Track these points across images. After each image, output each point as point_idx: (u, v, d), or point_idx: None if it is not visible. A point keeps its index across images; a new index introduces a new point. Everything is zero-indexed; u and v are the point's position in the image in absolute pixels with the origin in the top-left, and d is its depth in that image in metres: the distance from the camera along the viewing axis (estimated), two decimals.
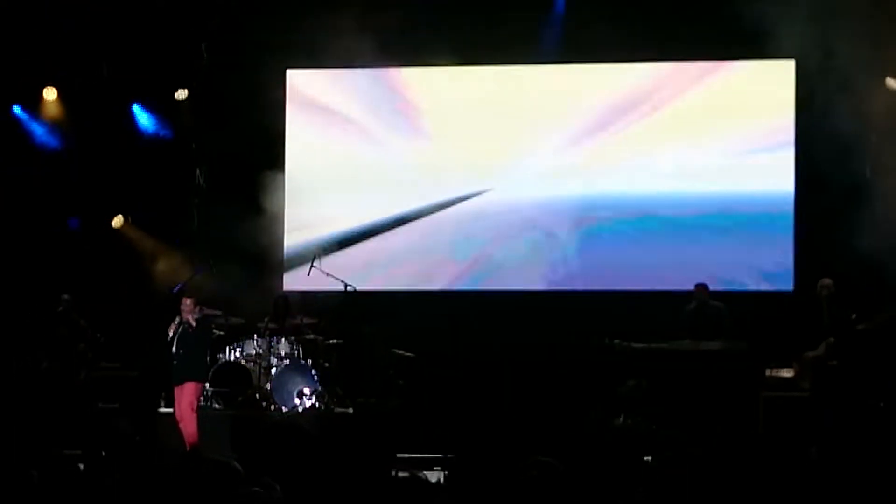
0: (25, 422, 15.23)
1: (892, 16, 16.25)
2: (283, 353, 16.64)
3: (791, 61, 17.73)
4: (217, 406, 16.13)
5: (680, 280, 17.39)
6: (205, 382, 15.57)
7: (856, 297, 15.87)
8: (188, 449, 14.28)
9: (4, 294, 17.34)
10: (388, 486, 10.34)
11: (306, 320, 17.11)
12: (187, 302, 15.11)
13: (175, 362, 15.12)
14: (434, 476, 13.09)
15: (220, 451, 13.24)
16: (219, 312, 17.12)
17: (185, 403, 14.98)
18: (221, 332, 16.91)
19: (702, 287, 16.42)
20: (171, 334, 15.06)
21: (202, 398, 15.80)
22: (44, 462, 9.33)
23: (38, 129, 18.17)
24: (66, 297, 16.86)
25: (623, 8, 17.60)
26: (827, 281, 15.92)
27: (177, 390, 15.13)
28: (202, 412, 15.50)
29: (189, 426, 14.91)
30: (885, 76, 16.97)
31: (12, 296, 17.27)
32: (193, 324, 15.01)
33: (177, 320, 15.06)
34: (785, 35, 17.28)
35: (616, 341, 15.94)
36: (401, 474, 12.63)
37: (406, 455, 13.93)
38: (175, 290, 16.41)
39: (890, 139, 16.73)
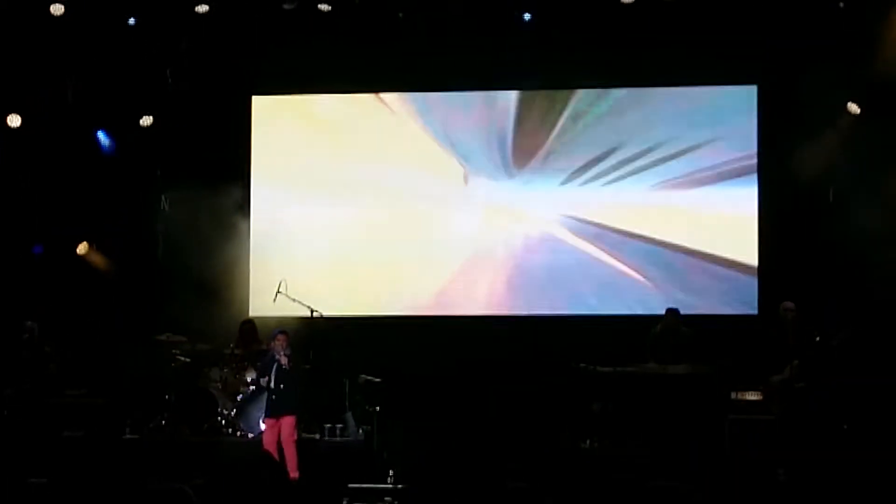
0: None
1: (854, 39, 16.45)
2: (248, 380, 16.61)
3: (753, 87, 17.91)
4: (185, 432, 16.08)
5: (647, 304, 17.60)
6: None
7: (818, 319, 15.99)
8: (291, 477, 14.57)
9: None
10: None
11: None
12: (281, 338, 15.15)
13: (273, 397, 15.17)
14: None
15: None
16: (184, 339, 17.13)
17: (288, 435, 15.04)
18: (187, 359, 16.89)
19: (672, 312, 16.52)
20: (281, 364, 15.08)
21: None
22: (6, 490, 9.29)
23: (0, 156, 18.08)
24: (30, 323, 16.76)
25: (586, 34, 17.71)
26: (789, 304, 16.05)
27: (270, 422, 15.17)
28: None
29: (293, 457, 14.99)
30: (847, 100, 17.14)
31: None
32: (285, 361, 15.06)
33: (276, 355, 15.09)
34: (747, 60, 17.52)
35: (582, 365, 15.98)
36: None
37: (359, 485, 14.04)
38: None
39: (852, 164, 16.89)
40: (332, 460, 15.53)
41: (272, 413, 15.25)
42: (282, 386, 15.18)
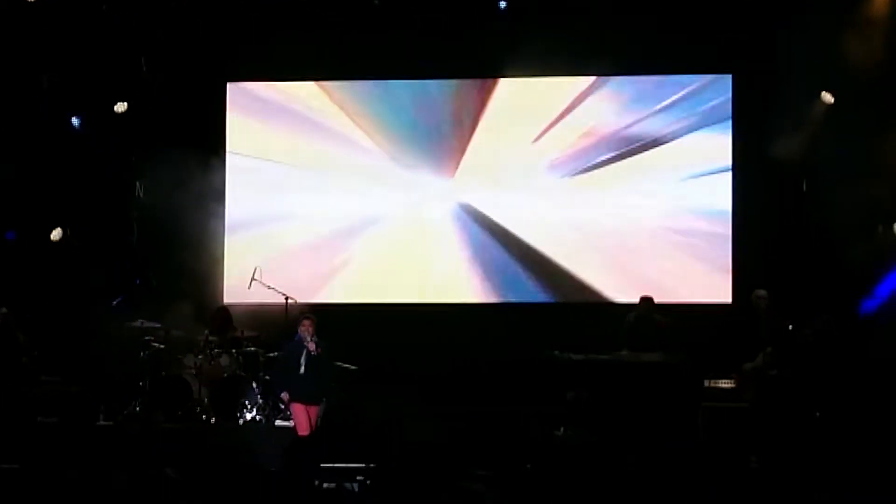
0: None
1: (829, 28, 16.49)
2: (223, 366, 16.59)
3: (728, 76, 17.94)
4: (160, 419, 16.08)
5: (621, 292, 17.67)
6: None
7: (792, 307, 16.05)
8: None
9: None
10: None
11: (247, 333, 17.06)
12: (307, 323, 14.73)
13: (302, 383, 14.68)
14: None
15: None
16: (158, 325, 17.09)
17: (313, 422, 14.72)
18: (161, 346, 16.86)
19: (646, 299, 16.54)
20: (310, 351, 14.65)
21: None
22: None
23: None
24: (3, 310, 16.71)
25: (559, 22, 17.72)
26: (762, 292, 16.11)
27: (300, 407, 14.73)
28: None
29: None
30: (821, 90, 17.19)
31: None
32: (313, 347, 14.58)
33: (303, 341, 14.66)
34: (722, 49, 17.55)
35: (556, 352, 15.99)
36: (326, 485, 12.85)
37: (331, 465, 14.04)
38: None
39: (825, 153, 16.94)
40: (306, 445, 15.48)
41: (301, 399, 14.75)
42: (312, 373, 14.67)
